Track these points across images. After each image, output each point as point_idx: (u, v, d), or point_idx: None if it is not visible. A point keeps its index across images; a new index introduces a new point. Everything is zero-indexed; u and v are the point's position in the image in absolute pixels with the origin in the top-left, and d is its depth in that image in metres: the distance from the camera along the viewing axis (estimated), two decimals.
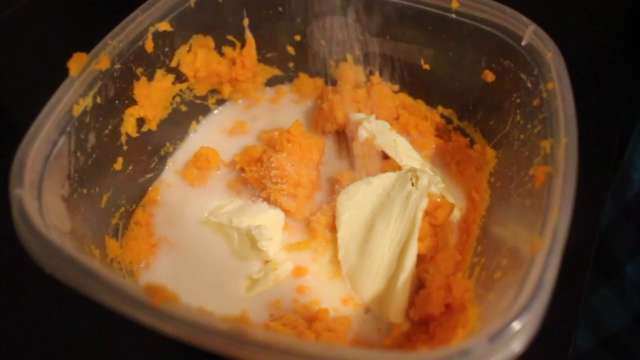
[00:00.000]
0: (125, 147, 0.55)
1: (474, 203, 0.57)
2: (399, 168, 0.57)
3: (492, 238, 0.52)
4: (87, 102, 0.49)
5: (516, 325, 0.35)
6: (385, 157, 0.59)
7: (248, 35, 0.63)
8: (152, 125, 0.58)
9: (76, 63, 0.49)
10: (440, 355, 0.35)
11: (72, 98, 0.48)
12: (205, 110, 0.66)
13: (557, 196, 0.41)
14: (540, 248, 0.39)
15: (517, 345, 0.35)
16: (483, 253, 0.52)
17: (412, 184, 0.54)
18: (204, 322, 0.35)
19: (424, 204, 0.53)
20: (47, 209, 0.43)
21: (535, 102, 0.50)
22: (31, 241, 0.39)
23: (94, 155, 0.51)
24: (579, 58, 0.52)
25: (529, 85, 0.52)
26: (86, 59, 0.49)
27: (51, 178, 0.45)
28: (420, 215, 0.52)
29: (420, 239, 0.52)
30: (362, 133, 0.58)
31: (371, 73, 0.64)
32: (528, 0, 0.57)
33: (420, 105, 0.63)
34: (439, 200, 0.53)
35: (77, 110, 0.48)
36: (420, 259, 0.52)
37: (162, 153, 0.61)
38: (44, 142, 0.45)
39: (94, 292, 0.37)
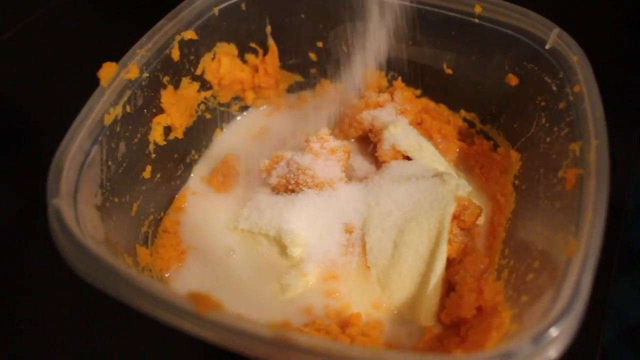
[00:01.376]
0: (153, 155, 0.56)
1: (499, 206, 0.57)
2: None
3: (520, 240, 0.52)
4: (117, 111, 0.50)
5: (556, 328, 0.36)
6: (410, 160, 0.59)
7: (270, 42, 0.64)
8: (178, 133, 0.58)
9: (106, 72, 0.49)
10: (484, 357, 0.35)
11: (103, 107, 0.48)
12: (229, 117, 0.66)
13: (591, 198, 0.42)
14: (577, 251, 0.39)
15: (558, 349, 0.36)
16: (511, 255, 0.52)
17: (439, 188, 0.54)
18: (248, 329, 0.36)
19: (451, 208, 0.53)
20: (82, 218, 0.43)
21: (562, 105, 0.51)
22: (71, 252, 0.39)
23: (125, 164, 0.51)
24: (601, 60, 0.52)
25: (554, 88, 0.53)
26: (116, 68, 0.50)
27: (85, 187, 0.45)
28: (448, 218, 0.52)
29: (449, 243, 0.52)
30: (387, 137, 0.58)
31: (394, 78, 0.64)
32: (550, 3, 0.57)
33: (442, 109, 0.64)
34: (466, 203, 0.54)
35: (108, 120, 0.48)
36: (450, 262, 0.52)
37: (187, 160, 0.62)
38: (77, 152, 0.45)
39: (136, 301, 0.37)
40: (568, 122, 0.49)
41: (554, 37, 0.53)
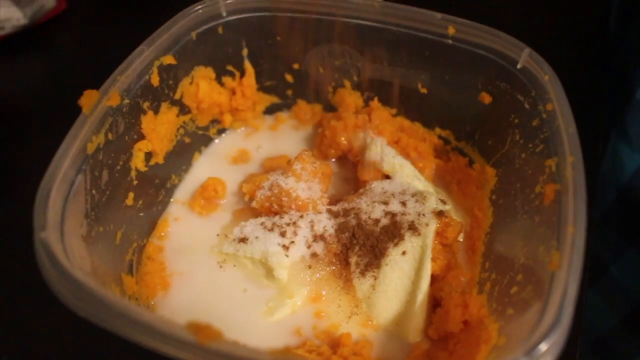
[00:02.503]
0: (135, 182, 0.55)
1: (477, 220, 0.59)
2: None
3: (500, 254, 0.54)
4: (99, 139, 0.49)
5: (546, 342, 0.37)
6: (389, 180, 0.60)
7: (247, 65, 0.64)
8: (159, 158, 0.58)
9: (88, 100, 0.49)
10: None
11: (86, 136, 0.48)
12: (207, 141, 0.66)
13: (570, 213, 0.43)
14: (561, 265, 0.41)
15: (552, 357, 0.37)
16: (492, 269, 0.54)
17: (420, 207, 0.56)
18: (250, 357, 0.36)
19: (433, 225, 0.54)
20: (70, 250, 0.43)
21: (535, 122, 0.53)
22: (63, 286, 0.39)
23: (108, 192, 0.51)
24: (568, 78, 0.54)
25: (526, 106, 0.55)
26: (97, 95, 0.49)
27: (71, 218, 0.45)
28: (431, 236, 0.54)
29: (432, 260, 0.53)
30: (368, 157, 0.59)
31: (370, 98, 0.65)
32: (519, 25, 0.59)
33: (418, 127, 0.65)
34: (447, 220, 0.55)
35: (91, 148, 0.48)
36: (434, 278, 0.54)
37: (168, 185, 0.61)
38: (62, 182, 0.45)
39: (135, 334, 0.37)
40: (542, 139, 0.51)
41: (525, 56, 0.55)
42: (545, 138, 0.51)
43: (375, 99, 0.65)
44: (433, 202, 0.56)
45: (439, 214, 0.55)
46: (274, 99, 0.68)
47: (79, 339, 0.54)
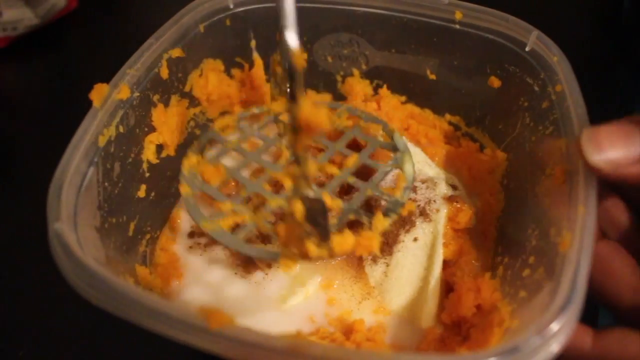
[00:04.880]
0: (147, 174, 0.56)
1: (489, 205, 0.59)
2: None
3: (512, 237, 0.54)
4: (111, 131, 0.50)
5: (558, 321, 0.36)
6: None
7: (256, 56, 0.65)
8: (170, 150, 0.58)
9: (98, 94, 0.50)
10: (490, 353, 0.36)
11: (97, 129, 0.48)
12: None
13: (581, 193, 0.43)
14: (572, 244, 0.41)
15: (560, 342, 0.37)
16: (504, 252, 0.53)
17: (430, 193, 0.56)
18: (261, 341, 0.36)
19: (444, 211, 0.54)
20: (84, 240, 0.43)
21: (545, 105, 0.52)
22: (77, 275, 0.39)
23: (120, 184, 0.51)
24: (577, 60, 0.54)
25: (536, 88, 0.54)
26: (107, 89, 0.50)
27: (84, 209, 0.45)
28: (442, 221, 0.54)
29: (444, 245, 0.53)
30: None
31: (379, 86, 0.65)
32: (527, 8, 0.59)
33: (427, 114, 0.65)
34: (459, 205, 0.55)
35: (102, 141, 0.49)
36: (446, 264, 0.54)
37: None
38: (75, 174, 0.45)
39: (145, 320, 0.37)
40: (552, 120, 0.51)
41: (534, 39, 0.55)
42: (555, 120, 0.50)
43: (385, 86, 0.65)
44: (443, 188, 0.56)
45: (450, 199, 0.55)
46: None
47: (94, 334, 0.56)
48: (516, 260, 0.50)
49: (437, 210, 0.54)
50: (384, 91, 0.65)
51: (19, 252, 0.63)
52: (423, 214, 0.54)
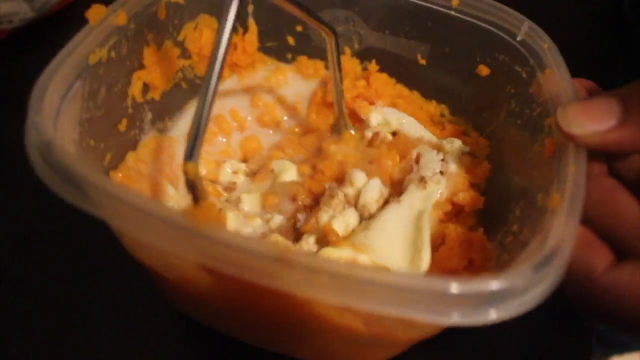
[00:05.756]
0: (130, 110, 0.54)
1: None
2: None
3: (496, 213, 0.54)
4: (102, 53, 0.48)
5: (554, 255, 0.36)
6: None
7: (251, 22, 0.65)
8: (155, 94, 0.57)
9: (95, 14, 0.48)
10: (485, 285, 0.35)
11: (89, 47, 0.47)
12: None
13: (571, 156, 0.43)
14: (562, 201, 0.41)
15: (546, 288, 0.36)
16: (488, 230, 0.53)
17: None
18: (250, 246, 0.34)
19: (453, 167, 0.55)
20: (62, 142, 0.41)
21: (532, 89, 0.54)
22: (53, 171, 0.37)
23: (103, 110, 0.50)
24: (572, 53, 0.56)
25: (524, 75, 0.56)
26: (104, 11, 0.49)
27: (66, 118, 0.43)
28: (443, 183, 0.54)
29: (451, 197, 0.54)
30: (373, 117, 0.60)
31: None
32: (527, 8, 0.61)
33: (416, 96, 0.66)
34: (475, 160, 0.57)
35: (93, 59, 0.47)
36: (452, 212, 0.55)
37: (160, 126, 0.60)
38: (61, 81, 0.44)
39: (126, 223, 0.36)
40: (540, 102, 0.52)
41: (525, 29, 0.57)
42: (543, 101, 0.51)
43: (373, 61, 0.66)
44: (457, 144, 0.57)
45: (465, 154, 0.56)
46: (274, 62, 0.68)
47: (89, 331, 0.56)
48: (498, 231, 0.50)
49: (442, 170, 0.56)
50: (373, 67, 0.65)
51: (17, 250, 0.61)
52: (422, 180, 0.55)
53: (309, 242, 0.51)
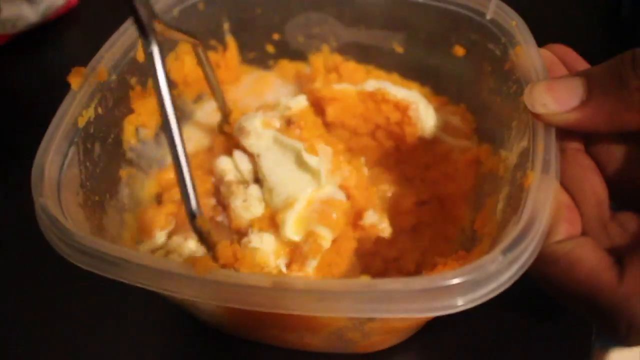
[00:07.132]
0: (128, 155, 0.57)
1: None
2: None
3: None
4: (89, 113, 0.51)
5: (526, 240, 0.38)
6: None
7: (229, 38, 0.67)
8: (149, 132, 0.60)
9: (76, 77, 0.51)
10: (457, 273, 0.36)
11: (76, 110, 0.50)
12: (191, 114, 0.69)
13: (541, 135, 0.44)
14: (535, 178, 0.42)
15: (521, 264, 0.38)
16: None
17: None
18: (247, 281, 0.38)
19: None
20: (68, 214, 0.45)
21: (507, 67, 0.55)
22: (64, 242, 0.41)
23: (101, 164, 0.53)
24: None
25: (497, 53, 0.57)
26: (85, 72, 0.52)
27: (67, 187, 0.47)
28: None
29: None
30: None
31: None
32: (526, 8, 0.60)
33: (394, 78, 0.68)
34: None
35: (81, 122, 0.50)
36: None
37: (159, 158, 0.63)
38: (56, 154, 0.47)
39: (135, 276, 0.39)
40: (514, 80, 0.53)
41: (493, 7, 0.57)
42: (517, 79, 0.52)
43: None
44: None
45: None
46: (257, 71, 0.71)
47: (92, 332, 0.59)
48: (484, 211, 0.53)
49: None
50: (337, 57, 0.68)
51: (18, 251, 0.65)
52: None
53: (262, 237, 0.55)
